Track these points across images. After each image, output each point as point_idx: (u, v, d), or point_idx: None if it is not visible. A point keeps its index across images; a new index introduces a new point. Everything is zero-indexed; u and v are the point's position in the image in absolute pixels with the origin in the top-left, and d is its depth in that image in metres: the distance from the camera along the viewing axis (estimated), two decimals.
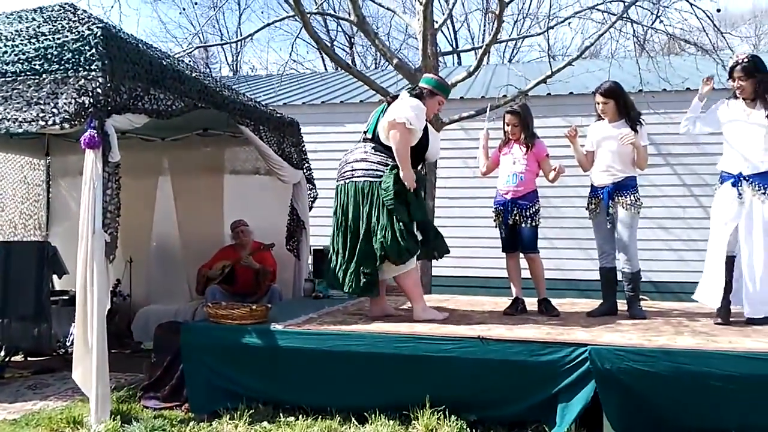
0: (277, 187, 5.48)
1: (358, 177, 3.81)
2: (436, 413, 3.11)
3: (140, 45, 3.90)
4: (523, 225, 4.12)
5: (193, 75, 4.27)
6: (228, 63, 23.23)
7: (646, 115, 7.56)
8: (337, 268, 3.79)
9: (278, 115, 5.34)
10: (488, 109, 4.55)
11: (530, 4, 18.83)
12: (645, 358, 2.97)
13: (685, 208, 7.77)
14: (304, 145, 5.70)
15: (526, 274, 4.27)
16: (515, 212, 4.13)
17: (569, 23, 8.26)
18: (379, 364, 3.25)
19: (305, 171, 5.61)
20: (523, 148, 4.17)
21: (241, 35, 18.81)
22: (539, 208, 4.18)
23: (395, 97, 3.98)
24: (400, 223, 3.63)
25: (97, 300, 3.16)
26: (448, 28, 21.61)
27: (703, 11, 7.20)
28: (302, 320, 3.66)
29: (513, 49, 21.31)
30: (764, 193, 3.72)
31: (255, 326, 3.48)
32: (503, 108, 4.90)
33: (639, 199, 4.07)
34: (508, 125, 4.23)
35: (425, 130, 3.87)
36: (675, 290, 7.48)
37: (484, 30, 19.37)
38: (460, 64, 18.05)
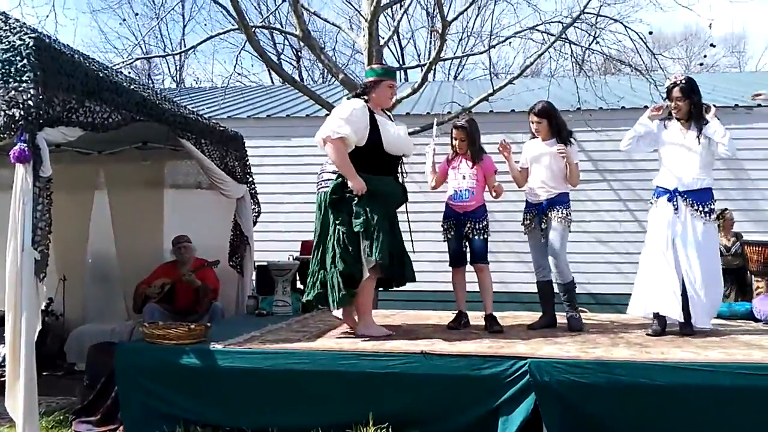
0: (220, 202, 5.38)
1: (321, 188, 3.97)
2: (379, 431, 3.09)
3: (76, 56, 3.78)
4: (475, 237, 4.18)
5: (132, 87, 4.15)
6: (171, 75, 22.79)
7: (583, 132, 7.88)
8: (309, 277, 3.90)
9: (221, 128, 5.25)
10: (435, 125, 4.61)
11: (474, 23, 19.26)
12: (582, 370, 3.04)
13: (621, 222, 8.06)
14: (248, 159, 5.62)
15: (470, 287, 4.32)
16: (467, 226, 4.19)
17: (510, 43, 8.51)
18: (322, 383, 3.22)
19: (249, 185, 5.53)
20: (470, 162, 4.24)
21: (184, 47, 18.48)
22: (488, 222, 4.25)
23: None
24: (343, 237, 3.68)
25: (26, 320, 3.01)
26: (394, 44, 21.90)
27: (637, 33, 7.56)
28: (243, 339, 3.59)
29: (458, 67, 21.71)
30: (697, 210, 3.92)
31: (193, 346, 3.39)
32: (450, 123, 4.98)
33: (570, 213, 4.21)
34: (455, 140, 4.30)
35: (374, 124, 3.77)
36: (613, 302, 7.72)
37: (430, 47, 19.68)
38: (407, 80, 18.22)
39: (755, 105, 8.16)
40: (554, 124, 4.26)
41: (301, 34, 6.79)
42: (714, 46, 11.63)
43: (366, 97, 3.86)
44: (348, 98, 3.96)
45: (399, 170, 4.02)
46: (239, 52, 8.08)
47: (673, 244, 3.93)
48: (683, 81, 4.01)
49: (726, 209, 6.06)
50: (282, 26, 15.72)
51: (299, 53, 21.09)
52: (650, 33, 8.03)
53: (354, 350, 3.29)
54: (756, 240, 5.38)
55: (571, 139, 4.28)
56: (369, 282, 3.75)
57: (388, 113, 4.08)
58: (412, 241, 4.01)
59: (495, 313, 4.22)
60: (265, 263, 5.25)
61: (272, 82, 18.27)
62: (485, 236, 4.20)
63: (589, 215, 7.99)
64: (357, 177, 3.69)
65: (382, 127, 3.80)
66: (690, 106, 3.97)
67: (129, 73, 11.43)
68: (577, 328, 4.09)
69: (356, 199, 3.69)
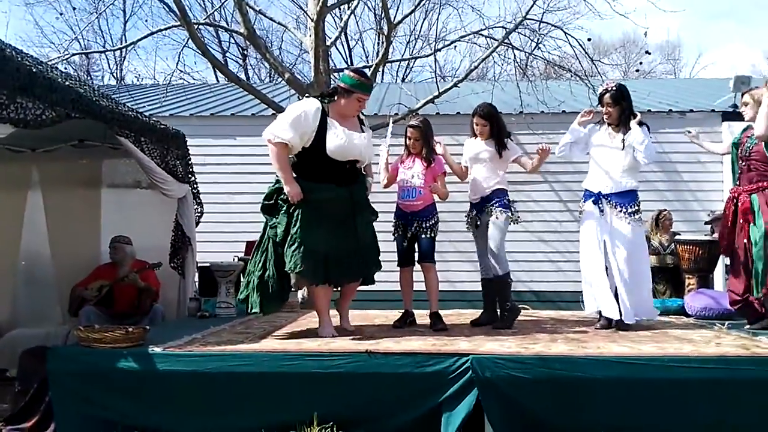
0: (161, 202, 5.24)
1: None
2: (323, 431, 3.08)
3: (8, 50, 3.61)
4: (423, 236, 4.22)
5: (67, 83, 4.00)
6: (111, 71, 22.07)
7: (525, 135, 8.06)
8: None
9: (162, 126, 5.12)
10: (389, 125, 4.63)
11: (421, 27, 19.45)
12: (522, 365, 3.11)
13: (562, 222, 8.29)
14: (190, 158, 5.50)
15: (418, 286, 4.34)
16: (415, 225, 4.22)
17: (455, 47, 8.63)
18: (266, 384, 3.17)
19: (191, 185, 5.41)
20: (423, 162, 4.27)
21: (125, 43, 17.93)
22: (437, 221, 4.27)
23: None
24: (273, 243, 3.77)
25: None
26: (342, 44, 21.88)
27: (577, 40, 7.79)
28: (184, 341, 3.50)
29: (406, 69, 21.89)
30: (621, 211, 4.09)
31: (131, 349, 3.29)
32: (402, 124, 5.02)
33: (509, 209, 4.30)
34: (409, 139, 4.32)
35: (323, 128, 3.71)
36: (554, 299, 7.95)
37: (378, 49, 19.74)
38: None
39: (688, 110, 8.55)
40: (496, 126, 4.37)
41: (246, 33, 6.70)
42: (649, 54, 12.14)
43: (329, 99, 3.82)
44: (307, 96, 3.95)
45: (353, 176, 3.87)
46: (181, 50, 7.91)
47: (604, 245, 4.10)
48: (614, 87, 4.18)
49: (664, 210, 6.32)
50: (227, 24, 15.47)
51: (245, 51, 20.80)
52: (589, 40, 8.31)
53: (298, 351, 3.26)
54: (687, 239, 5.65)
55: (510, 139, 4.41)
56: (316, 287, 3.80)
57: (361, 117, 4.01)
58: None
59: (440, 312, 4.27)
60: (208, 264, 5.16)
61: (217, 80, 17.92)
62: (432, 235, 4.22)
63: (531, 215, 8.18)
64: (293, 183, 3.67)
65: (329, 132, 3.71)
66: (620, 111, 4.13)
67: (66, 68, 11.02)
68: (503, 326, 4.16)
69: (287, 205, 3.70)
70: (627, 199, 4.12)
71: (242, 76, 21.70)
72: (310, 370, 3.16)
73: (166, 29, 7.85)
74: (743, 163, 4.03)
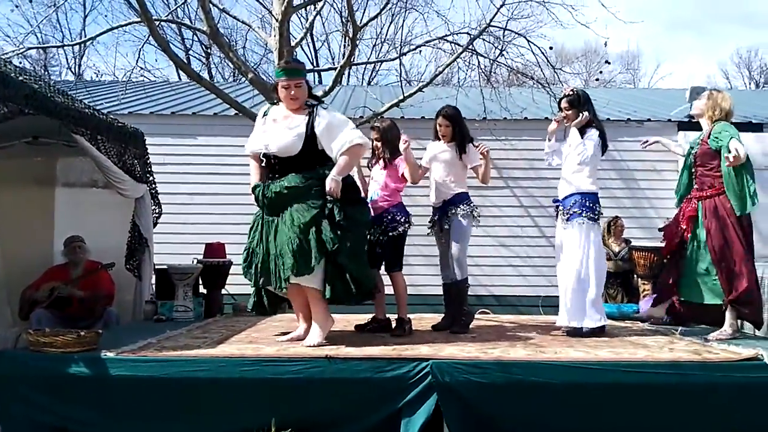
0: (117, 202, 5.11)
1: None
2: None
3: None
4: (382, 240, 4.15)
5: (21, 78, 3.87)
6: (69, 66, 21.47)
7: (488, 141, 8.11)
8: None
9: (120, 124, 5.00)
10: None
11: (388, 30, 19.48)
12: (481, 370, 3.13)
13: (523, 227, 8.39)
14: (148, 158, 5.38)
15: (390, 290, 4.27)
16: (376, 228, 4.15)
17: (420, 51, 8.66)
18: (223, 390, 3.12)
19: (150, 185, 5.29)
20: (382, 163, 4.26)
21: (85, 37, 17.48)
22: (398, 224, 4.13)
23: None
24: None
25: None
26: (308, 45, 21.77)
27: (539, 48, 7.91)
28: (138, 346, 3.41)
29: (372, 72, 21.90)
30: (564, 215, 4.21)
31: (83, 354, 3.19)
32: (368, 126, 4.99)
33: (470, 211, 4.30)
34: (373, 141, 4.32)
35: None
36: (515, 303, 8.04)
37: (344, 51, 19.70)
38: (320, 82, 18.19)
39: (646, 119, 8.76)
40: (458, 128, 4.40)
41: (209, 31, 6.60)
42: (609, 63, 12.42)
43: (276, 98, 3.81)
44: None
45: (279, 172, 3.69)
46: (142, 46, 7.75)
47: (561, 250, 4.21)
48: (571, 93, 4.27)
49: (617, 217, 6.45)
50: (191, 21, 15.23)
51: (208, 50, 20.47)
52: (551, 48, 8.45)
53: (256, 356, 3.22)
54: (643, 246, 5.79)
55: (472, 143, 4.44)
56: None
57: (311, 104, 3.81)
58: None
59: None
60: (165, 266, 5.04)
61: (179, 78, 17.63)
62: (391, 240, 4.13)
63: (493, 220, 8.26)
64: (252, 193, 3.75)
65: (255, 129, 3.83)
66: (576, 116, 4.22)
67: (21, 63, 10.66)
68: (460, 331, 4.18)
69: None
70: (567, 202, 4.22)
71: (205, 74, 21.38)
72: (268, 375, 3.12)
73: (126, 25, 7.69)
74: (693, 170, 4.14)
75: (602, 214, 4.29)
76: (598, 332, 4.11)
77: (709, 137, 3.95)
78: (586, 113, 4.23)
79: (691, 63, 40.30)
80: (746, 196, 3.78)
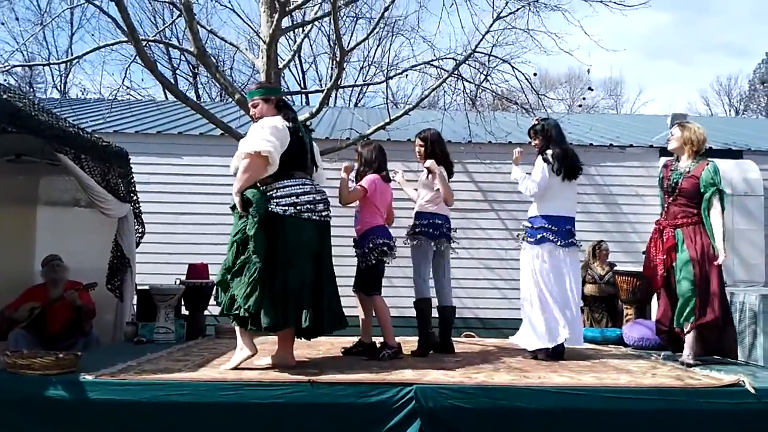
0: (100, 221, 5.06)
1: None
2: None
3: None
4: (362, 265, 4.18)
5: (5, 96, 3.84)
6: (55, 84, 21.37)
7: (474, 164, 8.17)
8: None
9: (105, 143, 4.97)
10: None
11: (375, 53, 19.68)
12: (465, 395, 3.11)
13: (507, 249, 8.42)
14: (132, 177, 5.35)
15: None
16: (357, 251, 4.20)
17: (407, 75, 8.75)
18: (204, 415, 3.06)
19: (133, 204, 5.25)
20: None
21: (71, 56, 17.44)
22: (373, 248, 4.10)
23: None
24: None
25: None
26: (296, 67, 21.88)
27: (523, 74, 8.03)
28: (118, 369, 3.35)
29: (359, 94, 22.05)
30: (524, 239, 4.35)
31: (61, 377, 3.12)
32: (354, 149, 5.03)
33: (433, 233, 4.35)
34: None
35: None
36: (499, 326, 8.03)
37: (331, 73, 19.84)
38: (308, 103, 18.27)
39: (628, 145, 8.89)
40: (430, 149, 4.48)
41: (196, 52, 6.61)
42: (592, 90, 12.57)
43: None
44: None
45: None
46: (129, 65, 7.75)
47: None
48: (536, 122, 4.44)
49: (602, 241, 6.51)
50: (179, 41, 15.29)
51: (196, 69, 20.53)
52: (535, 74, 8.60)
53: (237, 380, 3.17)
54: (626, 270, 5.83)
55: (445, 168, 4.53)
56: None
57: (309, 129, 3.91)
58: None
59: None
60: (147, 287, 4.98)
61: (166, 97, 17.63)
62: (368, 264, 4.12)
63: (478, 242, 8.30)
64: None
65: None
66: (542, 144, 4.35)
67: (6, 80, 10.61)
68: (418, 354, 4.20)
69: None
70: (529, 226, 4.34)
71: (192, 93, 21.41)
72: (249, 400, 3.07)
73: (113, 44, 7.70)
74: (669, 198, 4.19)
75: (548, 237, 4.22)
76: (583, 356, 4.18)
77: (699, 175, 4.02)
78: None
79: (673, 90, 41.15)
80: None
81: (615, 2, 7.55)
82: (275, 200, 3.49)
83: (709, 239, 4.00)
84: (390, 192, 4.40)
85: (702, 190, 4.01)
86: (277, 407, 3.07)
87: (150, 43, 8.65)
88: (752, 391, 3.17)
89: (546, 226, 4.23)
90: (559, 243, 4.20)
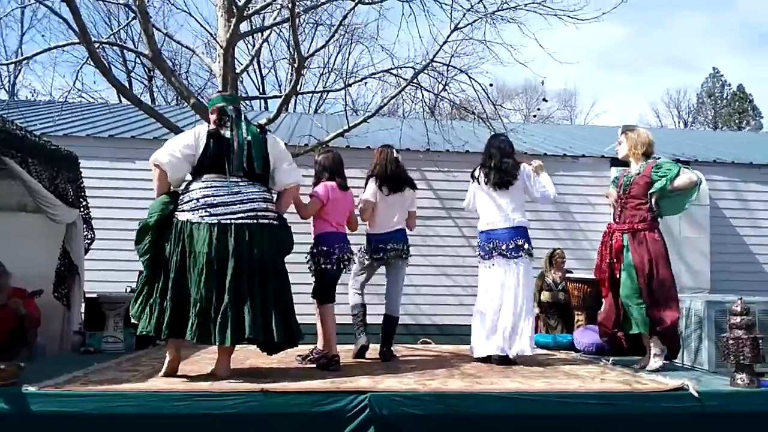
0: (48, 227, 4.90)
1: (263, 219, 3.61)
2: None
3: None
4: (311, 272, 4.20)
5: None
6: (3, 86, 20.63)
7: (432, 172, 8.23)
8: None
9: (53, 146, 4.82)
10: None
11: (335, 60, 19.67)
12: (418, 402, 3.13)
13: (464, 257, 8.50)
14: (82, 182, 5.20)
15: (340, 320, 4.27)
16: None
17: (366, 83, 8.77)
18: (153, 426, 2.99)
19: (82, 210, 5.11)
20: None
21: (21, 56, 16.87)
22: (319, 254, 4.10)
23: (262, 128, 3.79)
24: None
25: None
26: (255, 72, 21.70)
27: (480, 85, 8.15)
28: (63, 380, 3.25)
29: (319, 100, 21.99)
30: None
31: (2, 389, 3.00)
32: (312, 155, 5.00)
33: (403, 249, 4.57)
34: None
35: None
36: (455, 332, 8.08)
37: (290, 79, 19.73)
38: (267, 108, 18.12)
39: (581, 155, 9.11)
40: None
41: (151, 55, 6.49)
42: (546, 101, 12.92)
43: None
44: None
45: None
46: (80, 67, 7.55)
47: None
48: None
49: (558, 248, 6.64)
50: (134, 43, 14.99)
51: (151, 72, 20.14)
52: (491, 85, 8.73)
53: (187, 390, 3.11)
54: (577, 277, 5.96)
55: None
56: None
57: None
58: None
59: (344, 345, 4.21)
60: (96, 295, 4.84)
61: (120, 101, 17.25)
62: (314, 270, 4.14)
63: (436, 249, 8.36)
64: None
65: None
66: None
67: None
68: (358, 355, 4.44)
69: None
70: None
71: (147, 97, 20.99)
72: (201, 411, 3.01)
73: (64, 46, 7.48)
74: (622, 201, 4.30)
75: (484, 251, 4.49)
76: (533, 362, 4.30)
77: (648, 173, 4.13)
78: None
79: (625, 102, 42.42)
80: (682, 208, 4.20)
81: (569, 16, 7.73)
82: (180, 206, 3.56)
83: (661, 246, 4.07)
84: (349, 198, 4.38)
85: (657, 182, 4.11)
86: (229, 418, 3.02)
87: (103, 45, 8.44)
88: (695, 394, 3.28)
89: (481, 241, 4.57)
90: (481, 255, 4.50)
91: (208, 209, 3.48)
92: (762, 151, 10.79)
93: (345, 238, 4.25)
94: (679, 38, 46.47)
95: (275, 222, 3.66)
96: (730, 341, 3.49)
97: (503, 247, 4.32)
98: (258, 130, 3.73)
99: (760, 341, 3.48)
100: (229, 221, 3.48)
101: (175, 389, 3.12)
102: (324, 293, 4.15)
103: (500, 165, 4.44)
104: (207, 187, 3.53)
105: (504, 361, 4.22)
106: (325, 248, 4.11)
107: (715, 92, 32.86)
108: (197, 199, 3.51)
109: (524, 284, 4.34)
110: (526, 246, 4.35)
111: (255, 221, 3.54)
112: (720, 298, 4.90)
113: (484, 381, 3.53)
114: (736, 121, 31.02)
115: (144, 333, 3.44)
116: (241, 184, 3.59)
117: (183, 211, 3.53)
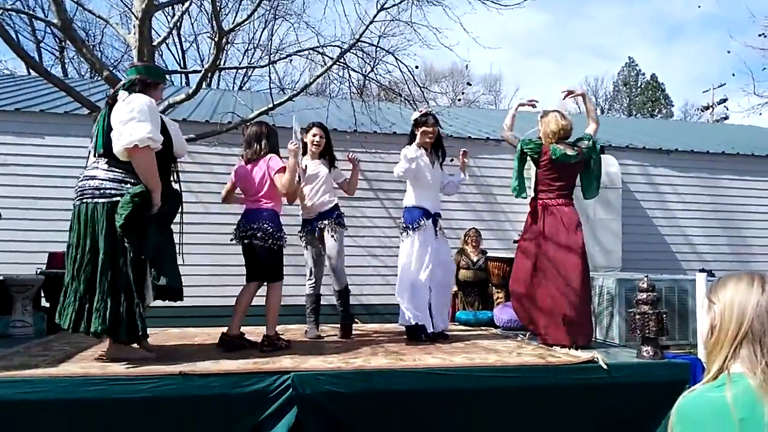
0: None
1: (89, 198, 3.28)
2: None
3: None
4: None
5: None
6: None
7: (359, 153, 8.21)
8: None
9: None
10: (295, 122, 4.46)
11: (261, 36, 19.22)
12: (342, 380, 3.15)
13: (391, 237, 8.58)
14: None
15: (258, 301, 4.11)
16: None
17: (291, 60, 8.61)
18: (65, 413, 2.87)
19: None
20: None
21: None
22: (259, 228, 3.95)
23: (114, 98, 3.41)
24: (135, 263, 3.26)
25: None
26: (175, 46, 20.89)
27: (407, 66, 8.17)
28: None
29: (244, 77, 21.46)
30: (439, 229, 4.63)
31: None
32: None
33: (342, 223, 4.61)
34: None
35: (163, 125, 3.41)
36: (381, 311, 8.18)
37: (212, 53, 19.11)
38: (188, 84, 17.48)
39: (503, 139, 9.34)
40: (329, 142, 4.75)
41: (59, 24, 6.08)
42: (470, 85, 13.19)
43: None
44: (127, 89, 3.41)
45: (175, 175, 3.64)
46: None
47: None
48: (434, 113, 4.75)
49: (472, 228, 6.81)
50: (44, 11, 14.05)
51: (63, 43, 18.99)
52: (416, 67, 8.76)
53: (102, 375, 2.99)
54: (497, 256, 6.15)
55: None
56: None
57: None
58: (182, 253, 3.71)
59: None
60: (2, 277, 4.56)
61: (29, 72, 16.16)
62: (259, 245, 3.95)
63: (363, 230, 8.40)
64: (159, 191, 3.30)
65: (170, 127, 3.48)
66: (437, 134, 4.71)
67: None
68: (346, 336, 4.47)
69: (145, 217, 3.25)
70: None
71: (59, 69, 19.80)
72: (116, 395, 2.91)
73: None
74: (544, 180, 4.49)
75: (407, 225, 4.59)
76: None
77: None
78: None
79: (547, 87, 43.81)
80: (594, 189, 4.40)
81: (492, 1, 7.84)
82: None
83: (578, 221, 4.24)
84: (260, 171, 4.06)
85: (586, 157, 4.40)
86: (146, 402, 2.94)
87: (8, 12, 7.86)
88: (605, 366, 3.47)
89: (407, 217, 4.68)
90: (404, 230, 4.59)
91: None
92: (672, 137, 11.45)
93: (258, 213, 4.00)
94: (598, 27, 48.35)
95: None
96: (637, 316, 3.70)
97: None
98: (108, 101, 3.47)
99: (665, 316, 3.71)
100: (80, 203, 3.35)
101: (90, 373, 3.00)
102: (248, 271, 4.08)
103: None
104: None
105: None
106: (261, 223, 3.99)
107: (630, 81, 34.52)
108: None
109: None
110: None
111: (89, 203, 3.32)
112: (630, 276, 5.20)
113: (407, 358, 3.59)
114: (649, 108, 32.76)
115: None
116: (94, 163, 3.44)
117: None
